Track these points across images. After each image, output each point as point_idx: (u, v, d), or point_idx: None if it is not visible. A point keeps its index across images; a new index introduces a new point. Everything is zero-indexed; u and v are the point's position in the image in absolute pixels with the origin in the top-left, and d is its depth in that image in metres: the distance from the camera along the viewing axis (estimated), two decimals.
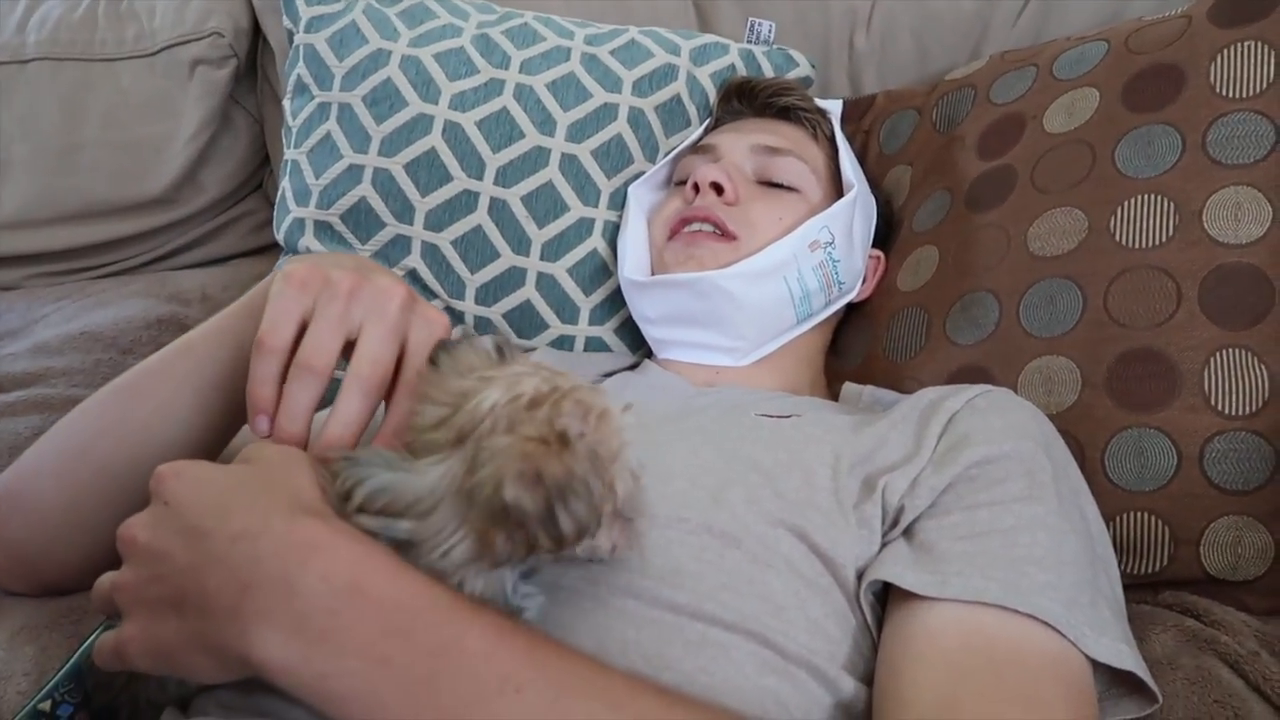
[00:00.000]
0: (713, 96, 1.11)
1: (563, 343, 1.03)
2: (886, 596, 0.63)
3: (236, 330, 0.66)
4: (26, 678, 0.69)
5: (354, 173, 1.02)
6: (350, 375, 0.57)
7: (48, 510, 0.70)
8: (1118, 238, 0.83)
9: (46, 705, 0.64)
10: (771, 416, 0.75)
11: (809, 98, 1.04)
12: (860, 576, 0.63)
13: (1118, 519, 0.78)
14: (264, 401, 0.57)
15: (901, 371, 0.93)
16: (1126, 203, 0.84)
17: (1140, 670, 0.59)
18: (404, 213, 1.01)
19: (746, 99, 1.06)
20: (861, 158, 1.12)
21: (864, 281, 1.01)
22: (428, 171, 1.01)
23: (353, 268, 0.61)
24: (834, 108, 1.05)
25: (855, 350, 1.00)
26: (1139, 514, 0.78)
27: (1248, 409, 0.76)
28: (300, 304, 0.58)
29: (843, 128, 1.06)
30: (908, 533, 0.64)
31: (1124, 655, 0.58)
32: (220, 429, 0.69)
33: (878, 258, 1.03)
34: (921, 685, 0.55)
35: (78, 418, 0.71)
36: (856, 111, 1.17)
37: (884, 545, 0.65)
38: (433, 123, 1.02)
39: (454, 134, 1.02)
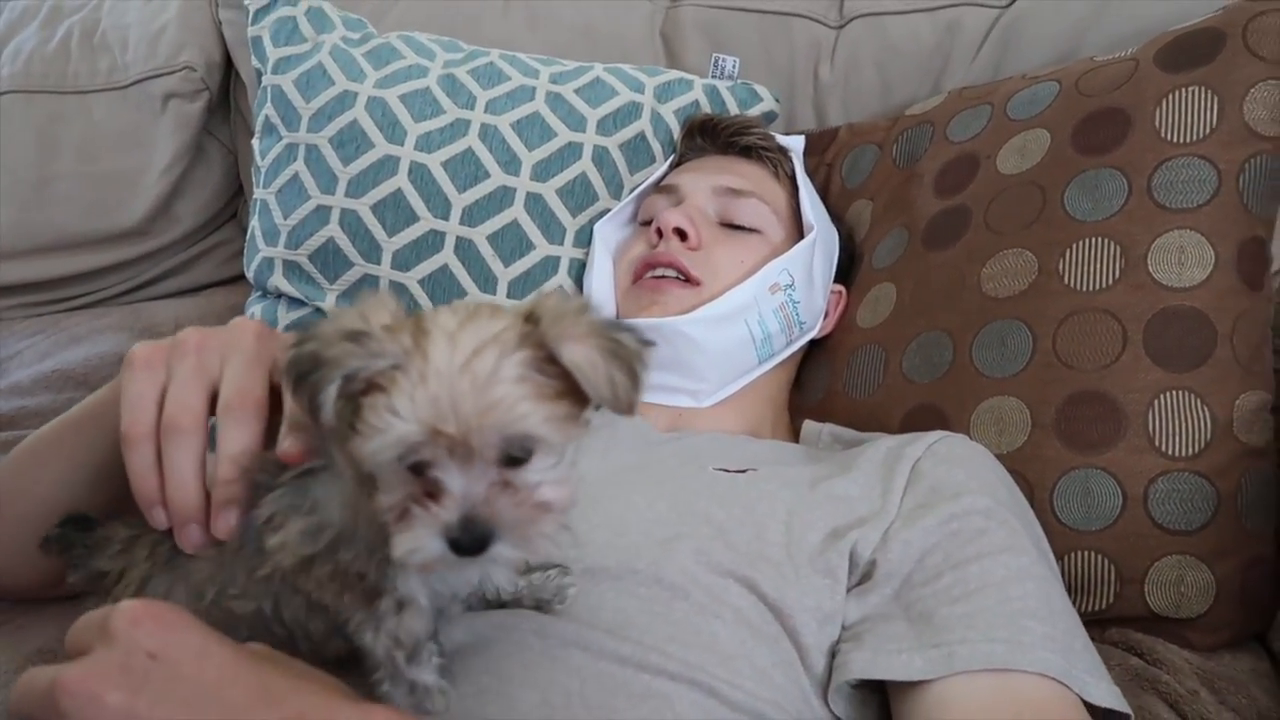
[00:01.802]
0: (677, 132, 1.12)
1: None
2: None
3: (111, 415, 0.60)
4: None
5: (321, 213, 1.04)
6: (220, 411, 0.54)
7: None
8: (1066, 280, 0.85)
9: None
10: (729, 471, 0.76)
11: (770, 136, 1.06)
12: (825, 632, 0.65)
13: (1066, 558, 0.80)
14: (151, 493, 0.54)
15: (860, 408, 0.95)
16: (1075, 245, 0.86)
17: (1128, 709, 0.61)
18: (371, 252, 1.03)
19: (709, 137, 1.08)
20: (824, 191, 1.14)
21: (825, 317, 1.03)
22: (394, 212, 1.03)
23: (200, 327, 0.59)
24: (795, 145, 1.06)
25: (816, 386, 1.02)
26: (1086, 553, 0.80)
27: (1190, 450, 0.79)
28: (152, 381, 0.55)
29: (805, 162, 1.07)
30: (901, 603, 0.65)
31: (1119, 697, 0.60)
32: (122, 498, 0.61)
33: (839, 293, 1.05)
34: None
35: (0, 472, 0.73)
36: (820, 144, 1.19)
37: (851, 595, 0.66)
38: (399, 164, 1.03)
39: (420, 175, 1.03)
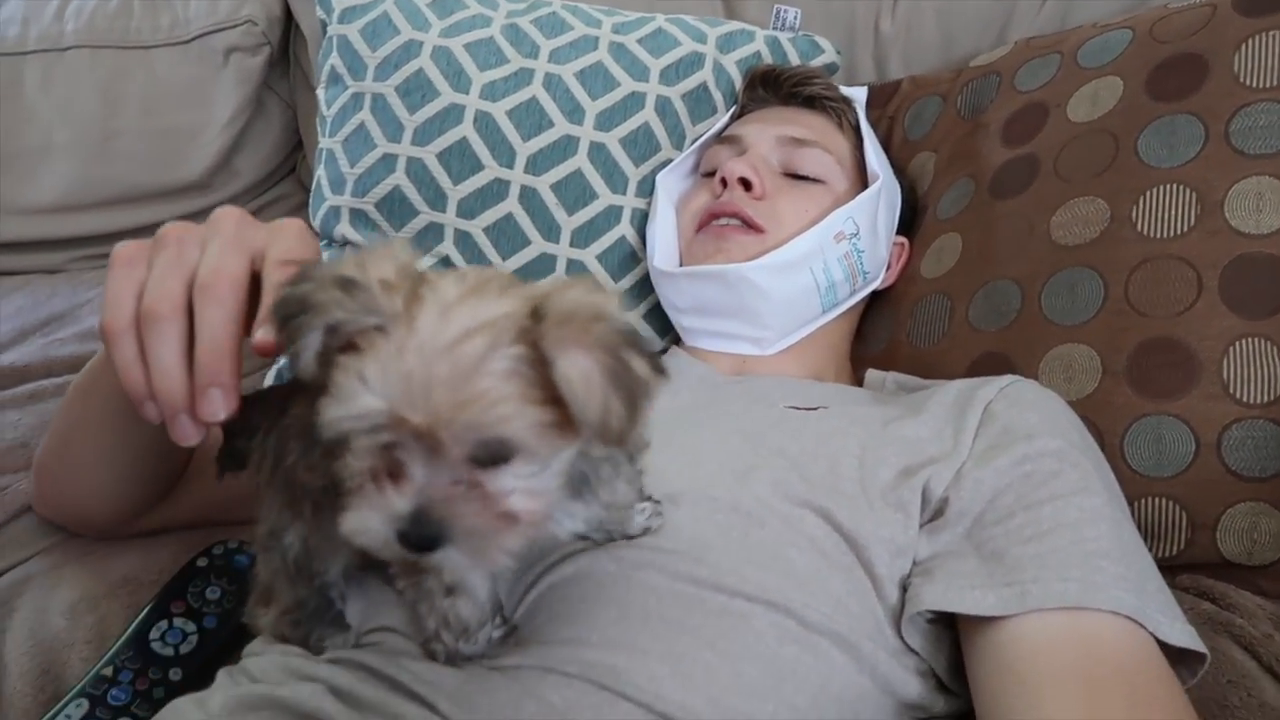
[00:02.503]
0: (739, 84, 1.12)
1: None
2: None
3: None
4: (88, 645, 0.73)
5: (388, 161, 1.05)
6: (195, 292, 0.51)
7: (60, 484, 0.79)
8: (1139, 227, 0.85)
9: (109, 671, 0.68)
10: (799, 409, 0.77)
11: (834, 86, 1.06)
12: (900, 570, 0.65)
13: (1136, 504, 0.80)
14: (138, 387, 0.52)
15: (925, 357, 0.95)
16: (1148, 192, 0.85)
17: (1203, 649, 0.60)
18: (437, 201, 1.04)
19: (772, 88, 1.07)
20: (886, 144, 1.13)
21: (888, 269, 1.03)
22: (460, 160, 1.04)
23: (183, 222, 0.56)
24: (859, 95, 1.06)
25: (879, 336, 1.02)
26: (1157, 499, 0.80)
27: (1266, 397, 0.78)
28: (131, 276, 0.53)
29: (867, 114, 1.07)
30: (973, 541, 0.65)
31: (1194, 637, 0.60)
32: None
33: (902, 245, 1.05)
34: (1057, 697, 0.56)
35: (58, 414, 0.76)
36: (882, 97, 1.18)
37: (923, 531, 0.67)
38: (464, 112, 1.04)
39: (485, 123, 1.04)
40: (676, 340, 1.03)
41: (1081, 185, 0.89)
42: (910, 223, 1.07)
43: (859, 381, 0.98)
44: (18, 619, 0.75)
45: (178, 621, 0.72)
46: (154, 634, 0.71)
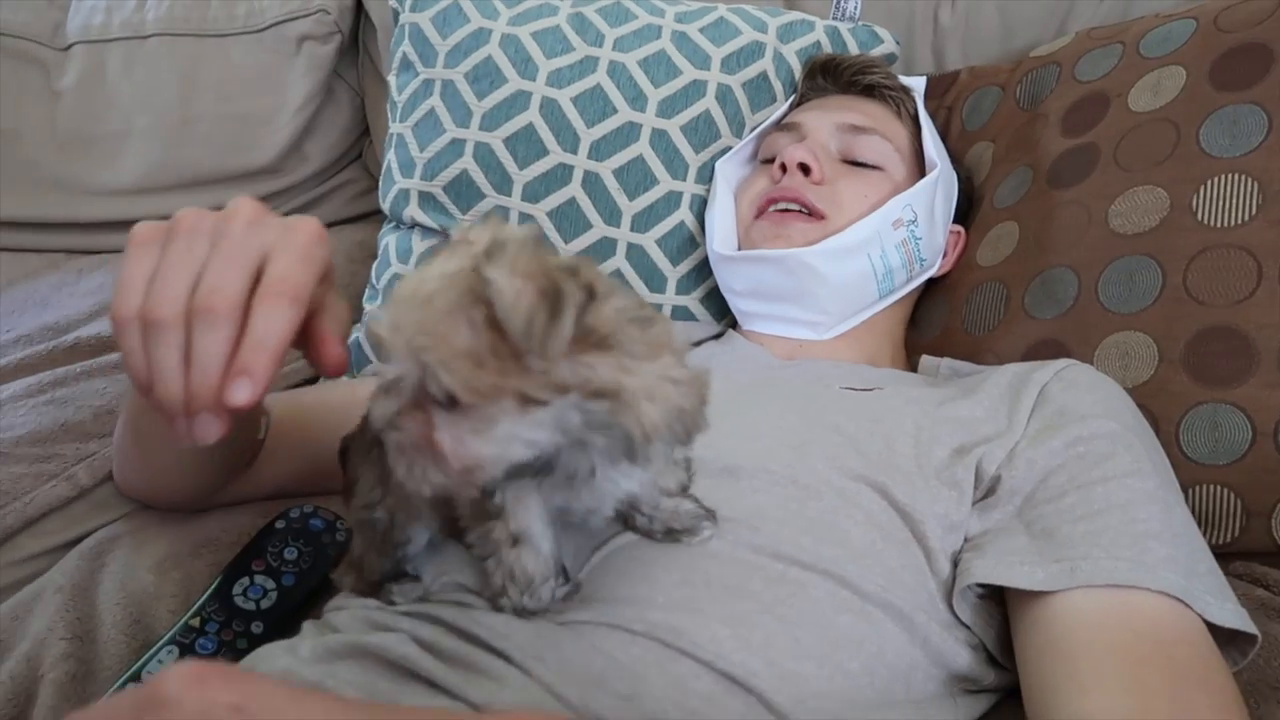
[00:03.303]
0: (798, 73, 1.14)
1: None
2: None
3: None
4: (174, 598, 0.78)
5: (456, 146, 1.08)
6: (194, 307, 0.49)
7: (134, 467, 0.85)
8: (1199, 216, 0.85)
9: (196, 622, 0.72)
10: (855, 390, 0.79)
11: (893, 75, 1.07)
12: (951, 545, 0.67)
13: (1191, 490, 0.80)
14: (141, 376, 0.51)
15: (979, 344, 0.96)
16: (1209, 181, 0.85)
17: (1254, 630, 0.61)
18: (503, 185, 1.07)
19: (831, 76, 1.09)
20: (944, 134, 1.14)
21: (944, 256, 1.04)
22: (526, 145, 1.07)
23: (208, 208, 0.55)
24: (917, 85, 1.07)
25: (933, 323, 1.03)
26: (1212, 486, 0.80)
27: None
28: (144, 263, 0.52)
29: (926, 104, 1.08)
30: (1024, 519, 0.67)
31: (1244, 618, 0.61)
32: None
33: (958, 233, 1.06)
34: (1101, 673, 0.57)
35: (124, 402, 0.81)
36: (940, 87, 1.19)
37: (975, 508, 0.69)
38: (531, 99, 1.07)
39: (550, 109, 1.07)
40: (734, 324, 1.05)
41: (1142, 174, 0.90)
42: (967, 212, 1.08)
43: (913, 367, 0.99)
44: (108, 573, 0.80)
45: (258, 579, 0.76)
46: (236, 589, 0.75)
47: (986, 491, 0.70)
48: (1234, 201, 0.84)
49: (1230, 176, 0.85)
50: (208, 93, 1.40)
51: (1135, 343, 0.85)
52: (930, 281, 1.05)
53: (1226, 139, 0.86)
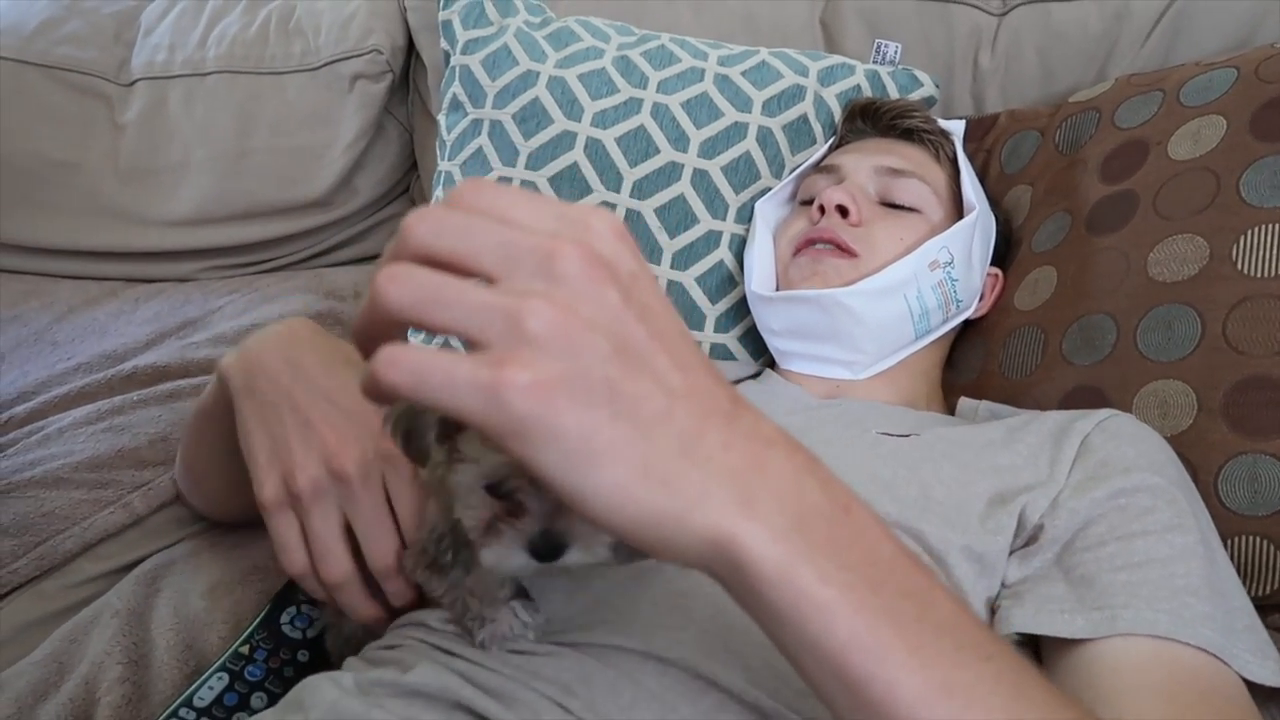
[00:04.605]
0: (838, 115, 1.15)
1: None
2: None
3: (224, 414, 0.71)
4: (225, 625, 0.80)
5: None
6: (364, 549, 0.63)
7: (197, 483, 0.89)
8: (1239, 266, 0.85)
9: (245, 649, 0.74)
10: (892, 435, 0.80)
11: (932, 120, 1.08)
12: (996, 587, 0.68)
13: (1229, 541, 0.80)
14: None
15: (1016, 389, 0.96)
16: (1250, 231, 0.86)
17: None
18: None
19: (871, 119, 1.10)
20: (982, 176, 1.15)
21: (981, 299, 1.05)
22: (570, 184, 1.09)
23: (289, 390, 0.65)
24: (956, 128, 1.08)
25: (971, 366, 1.03)
26: (1250, 538, 0.80)
27: None
28: (292, 525, 0.64)
29: (965, 147, 1.09)
30: (1062, 566, 0.67)
31: None
32: None
33: (996, 276, 1.06)
34: (1144, 713, 0.57)
35: (186, 428, 0.86)
36: (979, 130, 1.20)
37: (1014, 556, 0.69)
38: (576, 139, 1.10)
39: (595, 149, 1.09)
40: (771, 364, 1.07)
41: (1180, 223, 0.90)
42: (1005, 254, 1.08)
43: (950, 409, 1.00)
44: (162, 598, 0.83)
45: (305, 608, 0.78)
46: (284, 618, 0.77)
47: (1028, 540, 0.70)
48: (1275, 251, 0.84)
49: (1271, 227, 0.85)
50: (263, 128, 1.44)
51: (1174, 391, 0.85)
52: (968, 323, 1.05)
53: (1266, 188, 0.86)
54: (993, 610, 0.68)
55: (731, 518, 0.37)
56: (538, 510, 0.48)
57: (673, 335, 0.38)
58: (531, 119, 1.11)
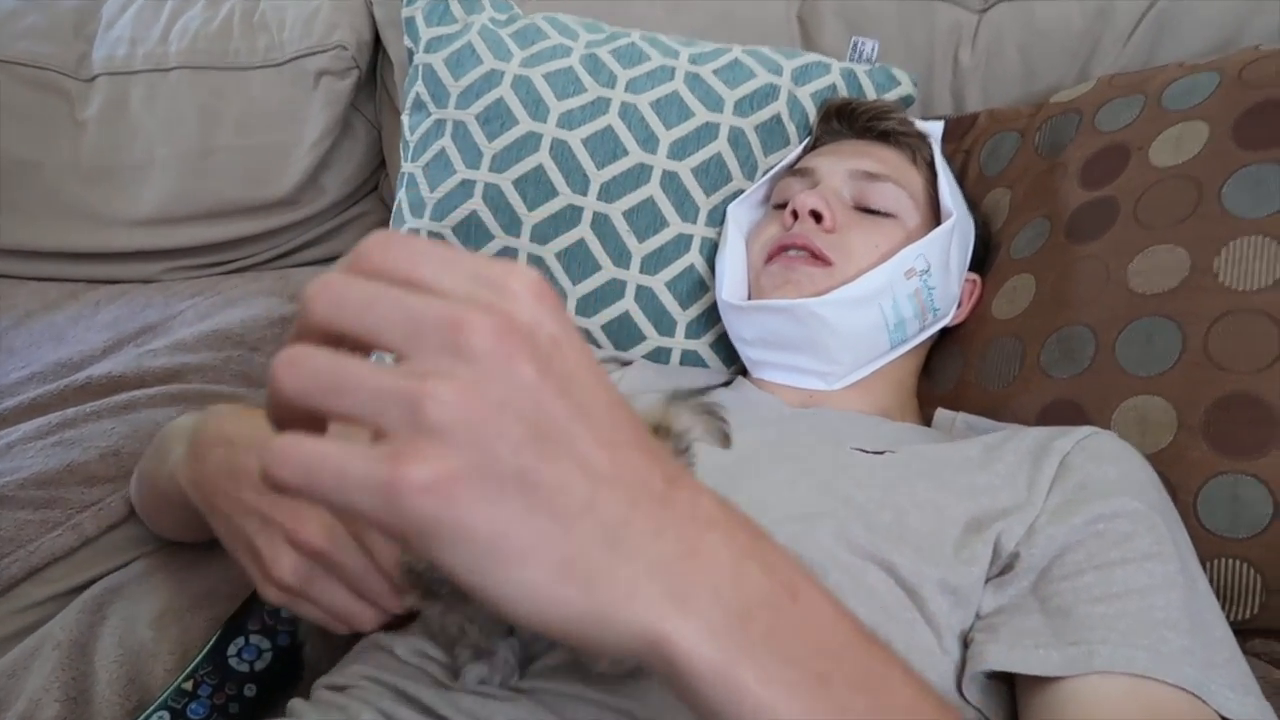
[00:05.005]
0: (813, 116, 1.12)
1: (659, 355, 1.07)
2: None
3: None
4: (171, 656, 0.78)
5: (466, 187, 1.08)
6: None
7: (147, 520, 0.90)
8: (1221, 278, 0.83)
9: (189, 685, 0.72)
10: (866, 452, 0.77)
11: (909, 122, 1.05)
12: (965, 619, 0.65)
13: (1208, 564, 0.78)
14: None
15: (994, 400, 0.93)
16: (1232, 243, 0.83)
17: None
18: (511, 226, 1.06)
19: (846, 120, 1.07)
20: (961, 178, 1.12)
21: (959, 306, 1.02)
22: (535, 187, 1.06)
23: (238, 498, 0.63)
24: (934, 130, 1.05)
25: (947, 375, 1.01)
26: (1230, 561, 0.78)
27: None
28: (315, 608, 0.62)
29: (943, 147, 1.06)
30: (1038, 595, 0.65)
31: (1266, 711, 0.59)
32: None
33: (974, 282, 1.04)
34: None
35: (140, 471, 0.88)
36: (958, 130, 1.17)
37: (989, 585, 0.67)
38: (541, 140, 1.06)
39: (561, 151, 1.06)
40: (743, 371, 1.04)
41: (1162, 232, 0.87)
42: (983, 260, 1.06)
43: (927, 420, 0.97)
44: (107, 627, 0.80)
45: (253, 639, 0.76)
46: (231, 650, 0.75)
47: (1003, 568, 0.68)
48: (1258, 264, 0.82)
49: (1253, 239, 0.82)
50: (228, 125, 1.41)
51: (1154, 407, 0.83)
52: (945, 331, 1.03)
53: (1249, 199, 0.83)
54: (966, 643, 0.65)
55: (662, 615, 0.33)
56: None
57: (599, 408, 0.34)
58: (495, 120, 1.08)
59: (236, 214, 1.42)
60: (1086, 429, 0.77)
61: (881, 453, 0.77)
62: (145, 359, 1.15)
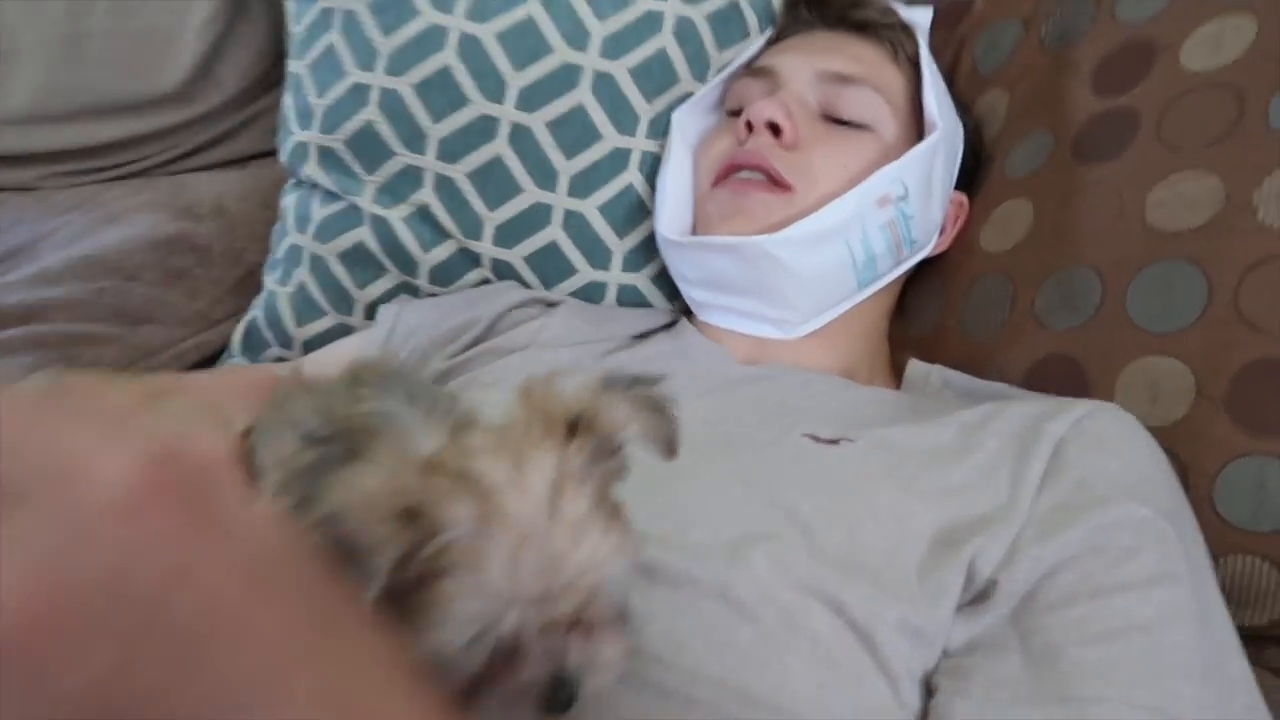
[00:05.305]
0: (777, 2, 0.95)
1: (592, 291, 0.92)
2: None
3: None
4: None
5: (359, 92, 0.90)
6: None
7: None
8: (1260, 216, 0.68)
9: None
10: (819, 440, 0.64)
11: (892, 11, 0.88)
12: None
13: (1222, 560, 0.66)
14: None
15: (977, 351, 0.81)
16: (1277, 172, 0.68)
17: None
18: (414, 141, 0.89)
19: (817, 9, 0.90)
20: (951, 75, 0.96)
21: (942, 233, 0.87)
22: (440, 93, 0.88)
23: None
24: (922, 21, 0.88)
25: (925, 317, 0.87)
26: (1249, 558, 0.66)
27: None
28: None
29: (931, 40, 0.89)
30: (1019, 629, 0.54)
31: None
32: None
33: (960, 203, 0.89)
34: None
35: None
36: (950, 18, 0.99)
37: (960, 614, 0.56)
38: (446, 35, 0.88)
39: (470, 49, 0.88)
40: (687, 311, 0.89)
41: (1191, 155, 0.72)
42: (973, 174, 0.90)
43: (898, 369, 0.84)
44: None
45: None
46: None
47: (977, 595, 0.57)
48: None
49: None
50: (101, 5, 1.21)
51: (1167, 371, 0.69)
52: (924, 261, 0.88)
53: None
54: (930, 689, 0.54)
55: None
56: (543, 652, 0.38)
57: None
58: (391, 9, 0.89)
59: (118, 111, 1.24)
60: (1084, 405, 0.65)
61: (837, 441, 0.64)
62: (2, 293, 1.00)
